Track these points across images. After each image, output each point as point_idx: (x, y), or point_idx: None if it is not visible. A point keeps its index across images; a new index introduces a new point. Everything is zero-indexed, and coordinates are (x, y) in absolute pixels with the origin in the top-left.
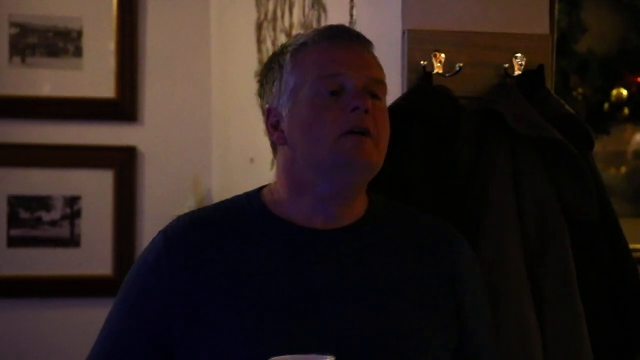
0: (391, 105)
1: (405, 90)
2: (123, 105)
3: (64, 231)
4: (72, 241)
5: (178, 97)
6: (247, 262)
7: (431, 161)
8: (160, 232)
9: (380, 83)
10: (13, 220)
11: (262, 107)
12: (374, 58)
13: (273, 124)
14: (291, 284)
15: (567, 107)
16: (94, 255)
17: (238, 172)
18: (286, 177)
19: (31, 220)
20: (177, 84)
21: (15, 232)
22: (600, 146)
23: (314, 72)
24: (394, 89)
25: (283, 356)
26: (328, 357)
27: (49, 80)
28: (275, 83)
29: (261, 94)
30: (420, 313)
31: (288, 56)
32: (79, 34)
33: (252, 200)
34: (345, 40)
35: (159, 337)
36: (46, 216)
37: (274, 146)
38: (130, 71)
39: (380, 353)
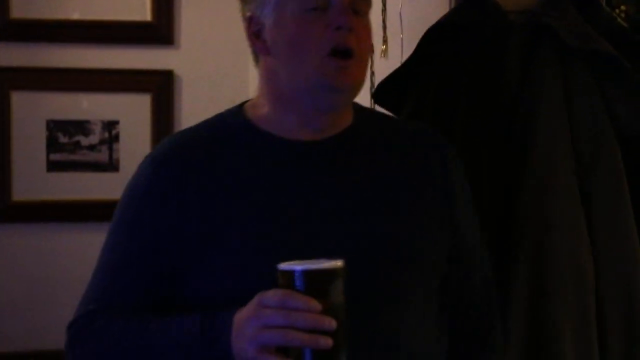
0: (440, 20)
1: (453, 6)
2: (159, 29)
3: (102, 156)
4: (111, 166)
5: (214, 19)
6: (240, 177)
7: (478, 79)
8: (147, 156)
9: (365, 0)
10: (52, 144)
11: (243, 13)
12: None
13: (255, 32)
14: (289, 194)
15: (619, 20)
16: None
17: None
18: (269, 90)
19: (70, 144)
20: (213, 5)
21: (54, 156)
22: None
23: None
24: (443, 3)
25: (293, 261)
26: (338, 260)
27: (85, 3)
28: None
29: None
30: (417, 216)
31: None
32: None
33: (237, 117)
34: None
35: (159, 262)
36: (84, 141)
37: (256, 55)
38: None
39: (382, 255)
